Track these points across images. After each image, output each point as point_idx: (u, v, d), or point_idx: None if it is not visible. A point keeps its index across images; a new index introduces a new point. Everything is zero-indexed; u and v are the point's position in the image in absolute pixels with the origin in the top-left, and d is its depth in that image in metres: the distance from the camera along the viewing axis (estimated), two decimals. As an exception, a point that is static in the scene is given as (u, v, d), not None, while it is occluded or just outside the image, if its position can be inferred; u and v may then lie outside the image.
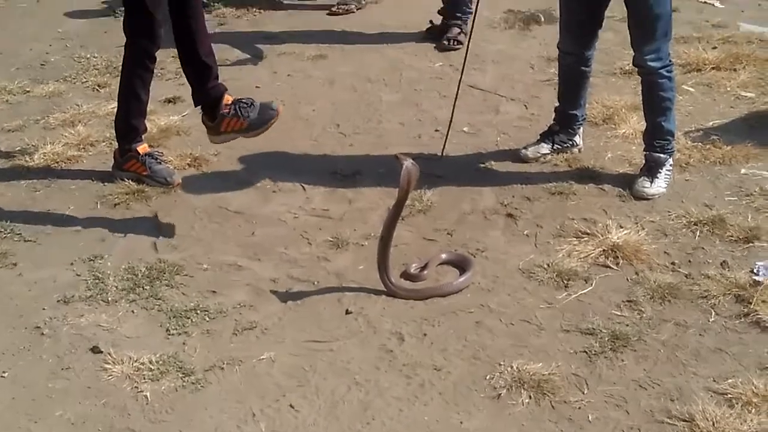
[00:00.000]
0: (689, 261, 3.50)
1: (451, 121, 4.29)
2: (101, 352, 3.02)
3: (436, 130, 4.56)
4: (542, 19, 5.85)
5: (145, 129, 4.18)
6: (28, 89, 5.15)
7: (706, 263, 3.47)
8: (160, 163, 4.12)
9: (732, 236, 3.63)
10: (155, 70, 4.11)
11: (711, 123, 4.57)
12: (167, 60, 5.25)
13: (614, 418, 2.74)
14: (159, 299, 3.30)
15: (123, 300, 3.30)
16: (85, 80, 5.24)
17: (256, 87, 5.05)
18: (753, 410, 2.72)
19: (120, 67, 4.12)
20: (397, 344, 3.08)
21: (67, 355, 3.03)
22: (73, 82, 5.23)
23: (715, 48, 5.40)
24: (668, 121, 3.96)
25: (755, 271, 3.40)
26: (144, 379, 2.90)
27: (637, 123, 4.33)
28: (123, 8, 4.00)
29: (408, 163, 3.23)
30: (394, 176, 3.96)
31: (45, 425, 2.75)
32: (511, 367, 2.93)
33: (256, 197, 3.99)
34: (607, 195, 3.96)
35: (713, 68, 5.17)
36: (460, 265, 3.50)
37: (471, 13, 5.55)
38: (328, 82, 5.19)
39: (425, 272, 3.45)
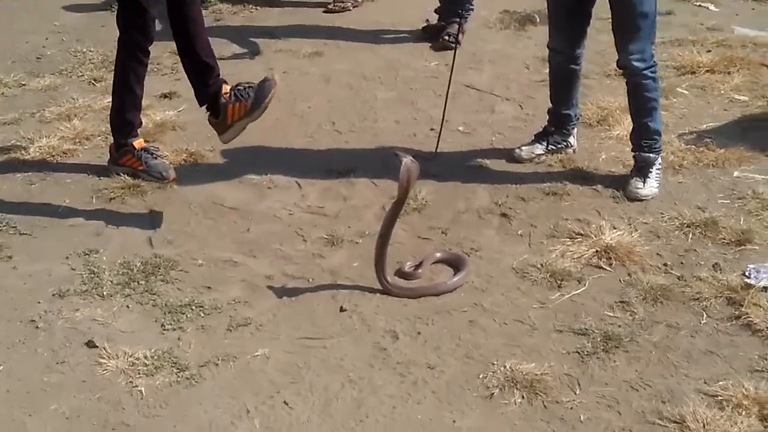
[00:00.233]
0: (681, 263, 3.52)
1: (443, 118, 4.30)
2: (96, 346, 3.03)
3: (431, 129, 4.58)
4: (538, 19, 5.87)
5: (141, 123, 4.19)
6: (23, 82, 5.15)
7: (699, 265, 3.50)
8: (155, 158, 4.12)
9: (724, 239, 3.65)
10: (151, 65, 4.13)
11: (704, 126, 4.60)
12: (163, 55, 5.27)
13: (606, 418, 2.76)
14: (154, 294, 3.31)
15: (118, 294, 3.31)
16: (81, 74, 5.24)
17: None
18: (743, 413, 2.74)
19: (114, 60, 4.12)
20: (390, 342, 3.10)
21: (62, 348, 3.04)
22: (69, 76, 5.23)
23: (709, 51, 5.43)
24: (654, 121, 3.99)
25: (747, 274, 3.42)
26: (139, 373, 2.91)
27: (631, 124, 4.33)
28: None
29: (407, 160, 3.24)
30: (390, 174, 4.00)
31: (39, 419, 2.75)
32: (504, 367, 2.95)
33: (252, 193, 4.01)
34: (600, 196, 3.98)
35: (707, 71, 5.19)
36: (455, 264, 3.52)
37: (472, 10, 5.59)
38: (324, 80, 5.20)
39: (420, 271, 3.47)
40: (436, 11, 5.75)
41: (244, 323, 3.17)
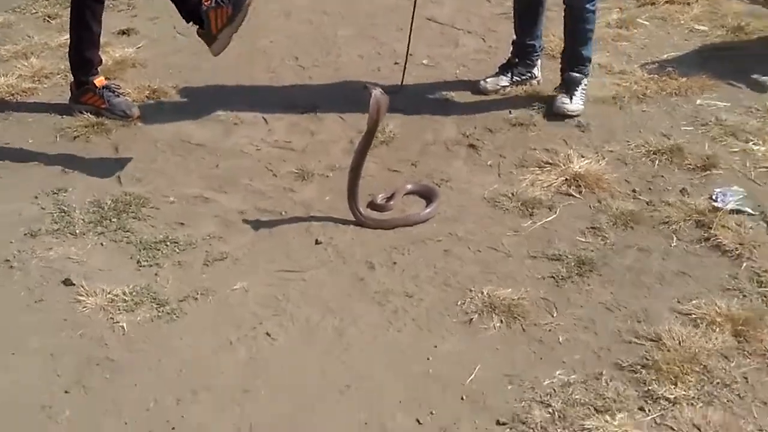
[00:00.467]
0: (649, 189, 3.57)
1: (407, 52, 4.27)
2: (73, 284, 3.00)
3: (395, 63, 4.56)
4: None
5: (101, 61, 4.10)
6: (-25, 21, 5.02)
7: (666, 191, 3.55)
8: (118, 95, 4.06)
9: (690, 164, 3.71)
10: (108, 2, 4.02)
11: (666, 55, 4.64)
12: (119, -9, 5.15)
13: (583, 339, 2.82)
14: (127, 231, 3.28)
15: (91, 233, 3.27)
16: (35, 11, 5.11)
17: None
18: (717, 329, 2.81)
19: (69, -2, 4.02)
20: (368, 272, 3.11)
21: (38, 287, 3.00)
22: (23, 13, 5.10)
23: (668, -18, 5.44)
24: (587, 49, 4.10)
25: (714, 197, 3.49)
26: (119, 310, 2.89)
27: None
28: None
29: (377, 92, 3.23)
30: (355, 108, 4.00)
31: (23, 358, 2.73)
32: (482, 293, 2.99)
33: (218, 130, 3.97)
34: (566, 126, 4.01)
35: (667, 2, 5.24)
36: (426, 195, 3.53)
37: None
38: (284, 15, 5.14)
39: (392, 203, 3.48)
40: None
41: (220, 258, 3.16)
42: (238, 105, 4.15)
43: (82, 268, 3.09)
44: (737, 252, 3.18)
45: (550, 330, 2.86)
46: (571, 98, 4.05)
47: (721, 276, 3.08)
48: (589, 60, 4.13)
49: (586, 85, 4.12)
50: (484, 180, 3.64)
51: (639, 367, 2.68)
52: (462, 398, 2.60)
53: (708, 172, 3.66)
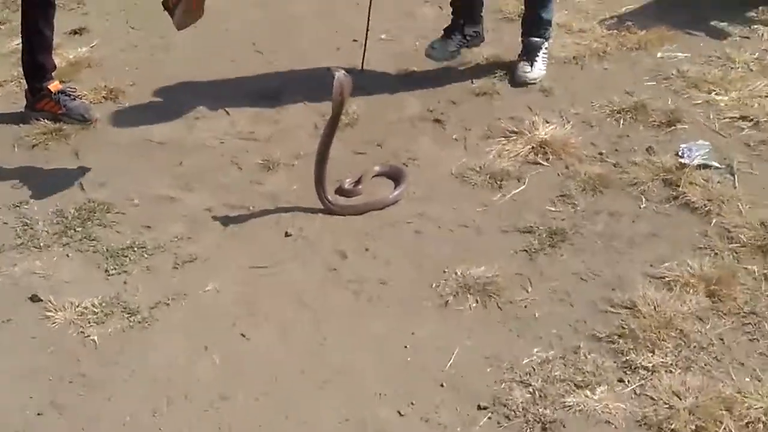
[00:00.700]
0: (616, 150, 3.56)
1: (367, 30, 4.21)
2: (41, 300, 2.95)
3: (354, 40, 4.49)
4: None
5: (54, 66, 4.02)
6: None
7: (633, 150, 3.54)
8: (74, 99, 3.99)
9: (654, 121, 3.70)
10: (57, 1, 3.94)
11: (624, 9, 4.62)
12: (68, -11, 5.05)
13: (560, 313, 2.81)
14: (93, 240, 3.23)
15: (55, 244, 3.22)
16: (-18, 18, 5.01)
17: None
18: (691, 291, 2.82)
19: (19, 1, 3.93)
20: (340, 261, 3.09)
21: (5, 306, 2.95)
22: (-31, 21, 5.00)
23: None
24: (547, 11, 4.05)
25: (680, 153, 3.48)
26: (89, 323, 2.85)
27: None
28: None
29: (340, 74, 3.19)
30: (319, 92, 3.93)
31: (-7, 380, 2.70)
32: (456, 274, 2.97)
33: (180, 126, 3.90)
34: (530, 92, 3.98)
35: (621, -46, 5.18)
36: (394, 176, 3.50)
37: None
38: (238, 0, 5.04)
39: (359, 187, 3.45)
40: None
41: (189, 259, 3.12)
42: (198, 98, 4.09)
43: (49, 283, 3.04)
44: (706, 209, 3.18)
45: (525, 306, 2.85)
46: (532, 64, 4.01)
47: (692, 235, 3.08)
48: (550, 23, 4.08)
49: (546, 48, 4.08)
50: (451, 155, 3.61)
51: (616, 337, 2.68)
52: (442, 385, 2.59)
53: (673, 127, 3.65)
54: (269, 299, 2.94)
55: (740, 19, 4.38)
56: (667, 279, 2.88)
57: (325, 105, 3.88)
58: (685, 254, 2.98)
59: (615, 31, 4.39)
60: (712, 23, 4.38)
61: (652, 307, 2.76)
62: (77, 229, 3.28)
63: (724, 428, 2.37)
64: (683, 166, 3.38)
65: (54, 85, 3.96)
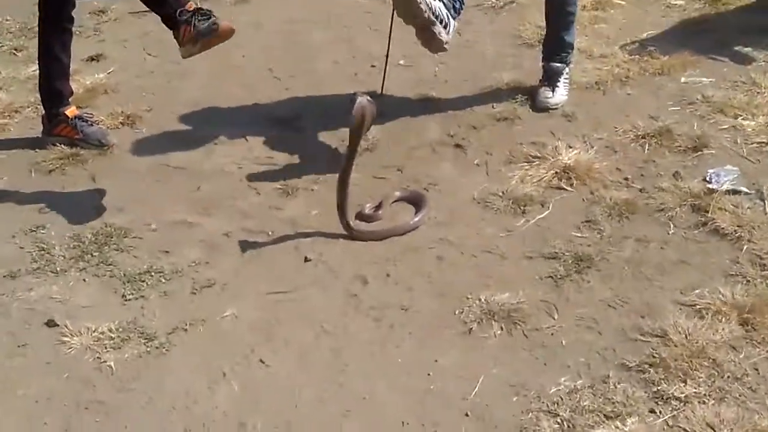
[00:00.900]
0: (642, 175, 3.49)
1: (387, 55, 4.18)
2: (57, 325, 2.90)
3: (372, 66, 4.46)
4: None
5: (71, 91, 4.00)
6: (-61, 57, 4.90)
7: (659, 176, 3.47)
8: (91, 124, 3.95)
9: (680, 146, 3.63)
10: (74, 29, 3.92)
11: (645, 35, 4.56)
12: (84, 16, 5.05)
13: (588, 340, 2.73)
14: (110, 265, 3.18)
15: (72, 269, 3.17)
16: (0, 44, 4.99)
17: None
18: (723, 319, 2.73)
19: (37, 29, 3.91)
20: (361, 287, 3.02)
21: (21, 331, 2.90)
22: (-13, 47, 5.00)
23: (641, -41, 5.36)
24: (570, 35, 3.99)
25: (708, 179, 3.41)
26: (105, 348, 2.79)
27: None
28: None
29: (363, 98, 3.14)
30: (337, 118, 3.90)
31: (8, 406, 2.62)
32: (479, 300, 2.90)
33: (197, 151, 3.86)
34: (552, 116, 3.93)
35: (641, -21, 5.15)
36: (414, 201, 3.44)
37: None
38: (254, 26, 5.03)
39: (380, 212, 3.39)
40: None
41: (207, 284, 3.06)
42: (215, 124, 4.06)
43: (65, 307, 2.99)
44: (736, 235, 3.10)
45: (552, 333, 2.77)
46: (553, 90, 3.96)
47: (723, 262, 3.00)
48: (572, 46, 4.04)
49: (568, 74, 4.04)
50: (472, 180, 3.55)
51: (647, 366, 2.60)
52: (466, 414, 2.51)
53: (699, 152, 3.58)
54: (288, 325, 2.87)
55: (764, 44, 4.32)
56: (698, 307, 2.80)
57: (343, 131, 3.83)
58: (716, 281, 2.90)
59: (637, 56, 4.34)
60: (736, 48, 4.32)
61: (684, 336, 2.67)
62: (94, 254, 3.23)
63: (762, 461, 2.29)
64: (712, 191, 3.31)
65: (71, 111, 3.93)
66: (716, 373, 2.56)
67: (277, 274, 3.10)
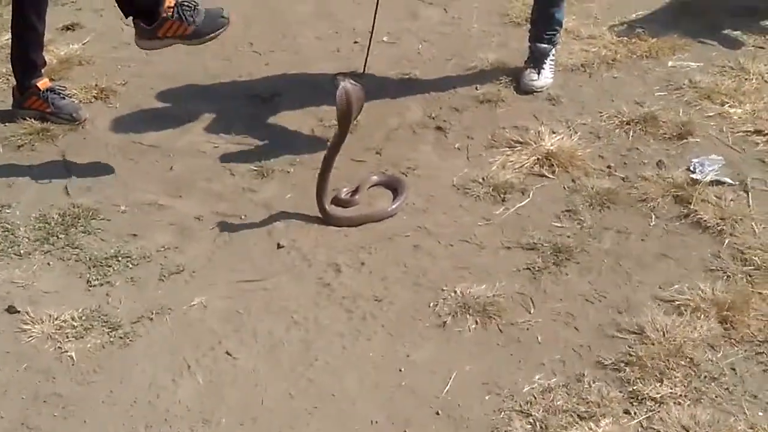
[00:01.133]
0: (625, 163, 3.42)
1: (372, 34, 4.04)
2: (18, 311, 2.81)
3: (355, 42, 4.36)
4: None
5: (45, 62, 3.89)
6: None
7: (642, 164, 3.39)
8: (63, 98, 3.84)
9: (665, 133, 3.55)
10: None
11: (634, 15, 4.46)
12: (61, -17, 4.92)
13: (564, 336, 2.67)
14: (76, 248, 3.09)
15: (37, 252, 3.08)
16: (-28, 12, 4.86)
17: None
18: (702, 316, 2.67)
19: (10, -4, 3.80)
20: (334, 276, 2.94)
21: (-20, 318, 2.82)
22: (-43, 14, 4.86)
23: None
24: (560, 11, 3.89)
25: (692, 168, 3.34)
26: (67, 337, 2.71)
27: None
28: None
29: (345, 83, 3.04)
30: (317, 96, 3.82)
31: (-37, 398, 2.56)
32: (455, 292, 2.82)
33: (172, 128, 3.75)
34: (536, 99, 3.84)
35: (632, -44, 5.04)
36: (393, 186, 3.36)
37: None
38: (236, -3, 4.90)
39: (357, 197, 3.30)
40: None
41: (176, 271, 2.98)
42: (192, 99, 3.95)
43: (28, 293, 2.90)
44: (719, 228, 3.03)
45: (527, 329, 2.70)
46: (539, 72, 3.86)
47: (704, 255, 2.94)
48: (561, 24, 3.93)
49: (554, 55, 3.94)
50: (452, 165, 3.47)
51: (622, 364, 2.54)
52: (437, 413, 2.44)
53: (684, 140, 3.51)
54: (258, 316, 2.80)
55: (755, 29, 4.23)
56: (677, 303, 2.73)
57: (323, 109, 3.77)
58: (696, 276, 2.84)
59: (625, 38, 4.24)
60: (725, 32, 4.23)
61: (661, 333, 2.61)
62: (60, 236, 3.14)
63: (737, 467, 2.23)
64: (695, 182, 3.24)
65: (43, 83, 3.82)
66: (693, 373, 2.50)
67: (249, 261, 3.02)
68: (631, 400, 2.43)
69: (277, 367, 2.61)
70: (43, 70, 3.86)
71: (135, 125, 3.79)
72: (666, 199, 3.19)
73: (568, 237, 3.05)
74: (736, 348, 2.58)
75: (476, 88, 3.91)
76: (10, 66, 3.89)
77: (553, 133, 3.57)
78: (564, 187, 3.30)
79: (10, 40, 3.85)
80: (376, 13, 3.92)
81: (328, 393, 2.52)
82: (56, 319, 2.77)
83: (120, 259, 3.03)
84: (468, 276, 2.90)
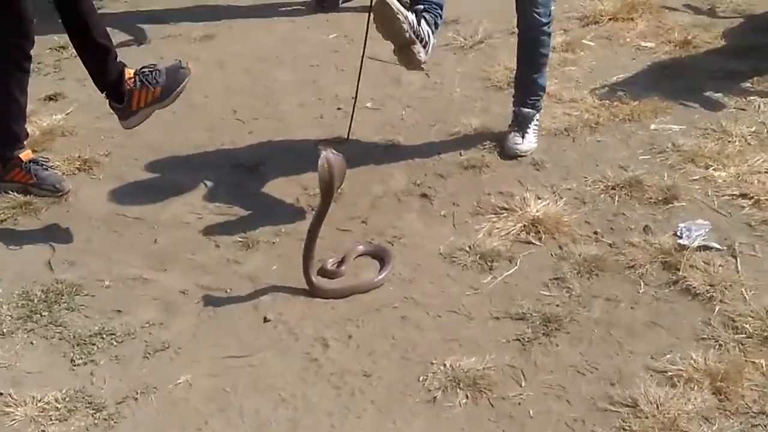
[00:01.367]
0: (611, 228, 3.41)
1: (355, 100, 4.05)
2: (1, 393, 2.75)
3: (338, 108, 4.37)
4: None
5: (27, 134, 3.87)
6: None
7: (629, 230, 3.39)
8: (46, 169, 3.81)
9: (651, 198, 3.55)
10: (32, 66, 3.78)
11: (615, 78, 4.49)
12: (44, 53, 4.94)
13: (556, 410, 2.63)
14: (59, 326, 3.04)
15: (20, 330, 3.03)
16: (-46, 83, 4.83)
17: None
18: (695, 387, 2.64)
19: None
20: (321, 351, 2.90)
21: (-38, 401, 2.76)
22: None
23: (609, -2, 5.32)
24: (542, 77, 3.92)
25: (678, 234, 3.33)
26: (51, 420, 2.65)
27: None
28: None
29: (327, 152, 3.05)
30: (301, 164, 3.82)
31: (-56, 486, 2.49)
32: (444, 366, 2.79)
33: (156, 200, 3.72)
34: (520, 164, 3.84)
35: (610, 19, 5.12)
36: (378, 255, 3.34)
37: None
38: (219, 65, 4.92)
39: (343, 267, 3.28)
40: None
41: (161, 348, 2.93)
42: (176, 170, 3.94)
43: (11, 373, 2.84)
44: (708, 294, 3.02)
45: (519, 403, 2.67)
46: (523, 136, 3.87)
47: (694, 323, 2.91)
48: (544, 89, 3.96)
49: (538, 119, 3.95)
50: (438, 233, 3.45)
51: (617, 439, 2.50)
52: (429, 494, 2.40)
53: (670, 205, 3.50)
54: (244, 393, 2.75)
55: (735, 90, 4.26)
56: (669, 374, 2.70)
57: (307, 177, 3.76)
58: (687, 346, 2.81)
59: (607, 101, 4.26)
60: (707, 94, 4.26)
61: (655, 406, 2.58)
62: (43, 314, 3.09)
63: None
64: (683, 247, 3.23)
65: (25, 154, 3.79)
66: (688, 448, 2.47)
67: (234, 336, 2.98)
68: (627, 478, 2.40)
69: (265, 448, 2.56)
70: (25, 142, 3.84)
71: (119, 197, 3.76)
72: (654, 265, 3.18)
73: (557, 306, 3.03)
74: (731, 420, 2.55)
75: (460, 154, 3.92)
76: (-8, 139, 3.86)
77: (539, 198, 3.56)
78: (551, 254, 3.28)
79: (-9, 113, 3.84)
80: (359, 80, 3.93)
81: (317, 474, 2.47)
82: (39, 401, 2.71)
83: (104, 336, 2.98)
84: (457, 348, 2.87)
